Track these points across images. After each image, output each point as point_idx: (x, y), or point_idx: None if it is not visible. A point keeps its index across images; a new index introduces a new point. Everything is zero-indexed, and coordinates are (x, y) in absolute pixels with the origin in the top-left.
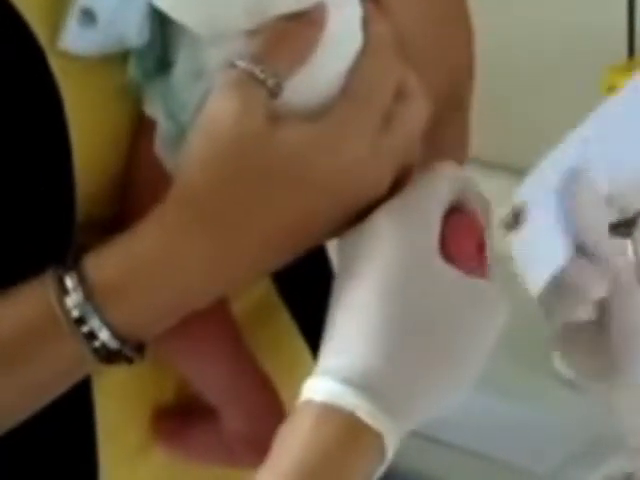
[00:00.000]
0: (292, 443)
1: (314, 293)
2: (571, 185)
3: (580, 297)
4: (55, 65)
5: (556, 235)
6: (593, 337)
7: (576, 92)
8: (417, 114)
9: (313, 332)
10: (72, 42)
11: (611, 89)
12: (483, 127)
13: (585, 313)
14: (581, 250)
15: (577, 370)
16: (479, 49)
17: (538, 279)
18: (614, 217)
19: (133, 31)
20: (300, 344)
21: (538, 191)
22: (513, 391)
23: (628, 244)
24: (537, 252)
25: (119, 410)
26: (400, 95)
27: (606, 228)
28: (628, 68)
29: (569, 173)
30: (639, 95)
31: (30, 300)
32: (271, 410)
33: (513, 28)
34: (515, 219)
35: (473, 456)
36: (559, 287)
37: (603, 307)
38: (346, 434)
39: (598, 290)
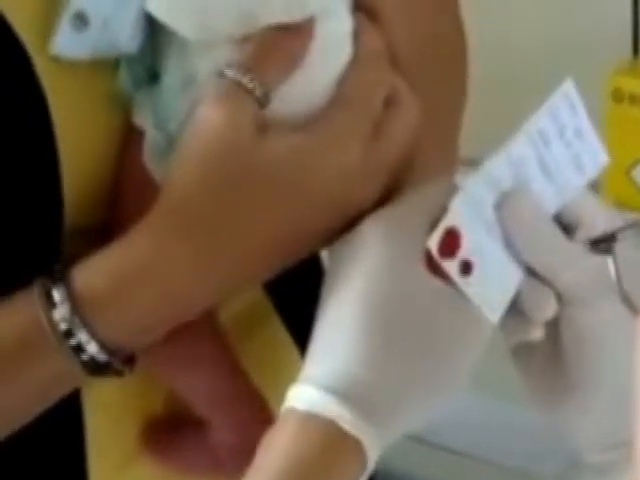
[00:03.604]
0: (274, 452)
1: (306, 299)
2: (510, 205)
3: (531, 318)
4: (42, 70)
5: (504, 261)
6: (546, 357)
7: (580, 93)
8: (407, 123)
9: (306, 339)
10: (64, 46)
11: (616, 90)
12: (483, 130)
13: (536, 334)
14: (528, 269)
15: (531, 391)
16: (480, 51)
17: (496, 308)
18: (561, 235)
19: (126, 36)
20: (293, 351)
21: (473, 214)
22: (515, 394)
23: (609, 260)
24: (490, 281)
25: (109, 421)
26: (390, 104)
27: (555, 245)
28: (633, 68)
29: (506, 194)
30: (567, 103)
31: (17, 312)
32: (260, 420)
33: (514, 28)
34: (464, 269)
35: (476, 460)
36: (510, 308)
37: (555, 326)
38: (327, 443)
39: (548, 311)
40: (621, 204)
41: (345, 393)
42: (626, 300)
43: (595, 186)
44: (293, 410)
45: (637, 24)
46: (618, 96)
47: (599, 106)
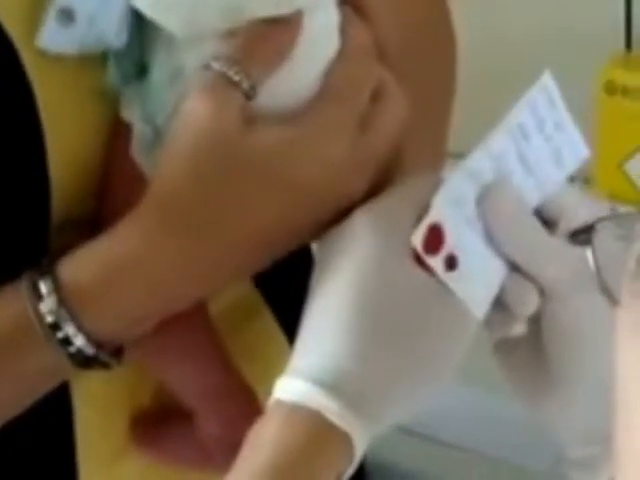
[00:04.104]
0: (261, 444)
1: (297, 292)
2: (492, 199)
3: (513, 313)
4: (29, 64)
5: (488, 256)
6: (528, 352)
7: (573, 87)
8: (395, 115)
9: (296, 331)
10: (50, 41)
11: (609, 83)
12: (476, 125)
13: (519, 329)
14: (510, 263)
15: (514, 386)
16: (470, 44)
17: (481, 303)
18: (542, 229)
19: (112, 31)
20: (283, 343)
21: (455, 210)
22: (506, 387)
23: (588, 252)
24: (474, 277)
25: (98, 414)
26: (378, 97)
27: (537, 239)
28: (626, 61)
29: (487, 188)
30: (546, 96)
31: (5, 305)
32: (248, 413)
33: (505, 21)
34: (449, 264)
35: (466, 453)
36: (493, 303)
37: (537, 321)
38: (314, 434)
39: (530, 305)
40: (613, 197)
41: (332, 385)
42: (605, 291)
43: (587, 179)
44: (280, 402)
45: (630, 17)
46: (611, 89)
47: (592, 99)
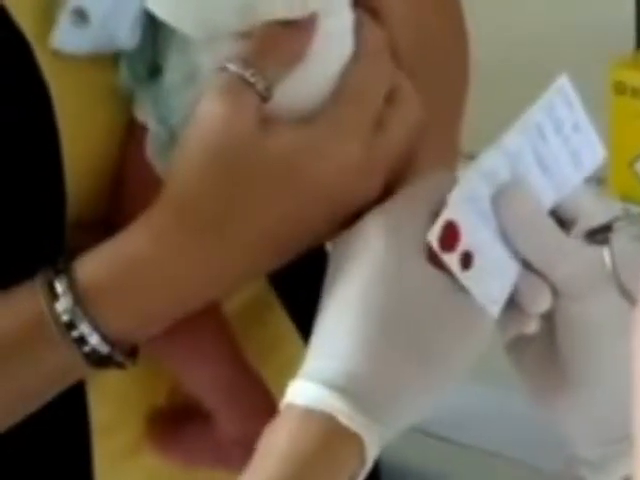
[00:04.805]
0: (274, 447)
1: (311, 291)
2: (507, 198)
3: (526, 311)
4: (44, 65)
5: (502, 254)
6: (541, 351)
7: (583, 87)
8: (409, 118)
9: (310, 330)
10: (63, 41)
11: (618, 83)
12: (485, 125)
13: (532, 327)
14: (523, 261)
15: (527, 384)
16: (481, 44)
17: (496, 301)
18: (557, 228)
19: (125, 32)
20: (297, 342)
21: (471, 208)
22: (520, 385)
23: (605, 251)
24: (489, 274)
25: (113, 411)
26: (392, 99)
27: (551, 239)
28: (635, 61)
29: (503, 187)
30: (563, 98)
31: (20, 305)
32: (264, 412)
33: (515, 21)
34: (464, 262)
35: (485, 454)
36: (506, 302)
37: (550, 319)
38: (326, 438)
39: (543, 304)
40: (625, 197)
41: (344, 388)
42: (623, 290)
43: (599, 180)
44: (292, 405)
45: None
46: (620, 89)
47: (601, 99)
